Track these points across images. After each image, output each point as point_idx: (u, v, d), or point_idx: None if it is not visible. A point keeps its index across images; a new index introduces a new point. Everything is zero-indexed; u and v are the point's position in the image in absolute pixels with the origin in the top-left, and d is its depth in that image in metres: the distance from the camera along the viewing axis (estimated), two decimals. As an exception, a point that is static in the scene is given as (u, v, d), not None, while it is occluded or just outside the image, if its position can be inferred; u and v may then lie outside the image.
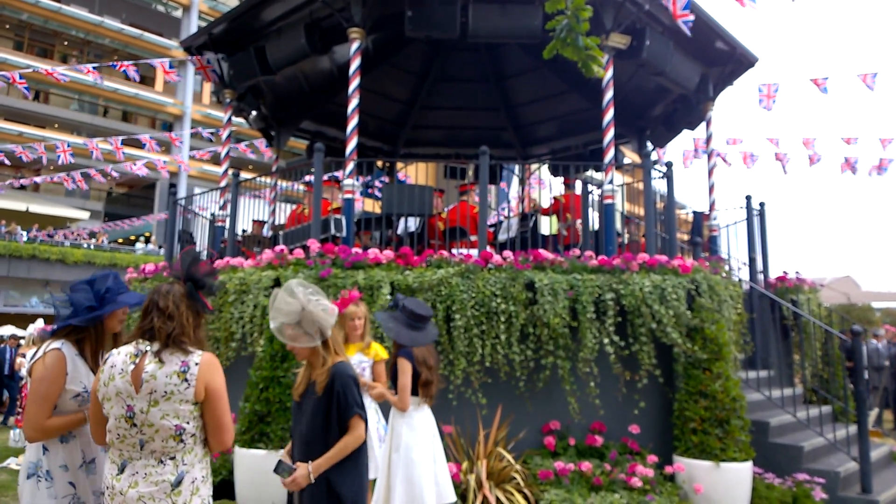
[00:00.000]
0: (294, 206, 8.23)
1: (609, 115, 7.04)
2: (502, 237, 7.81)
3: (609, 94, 7.05)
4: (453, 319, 5.64)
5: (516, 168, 12.95)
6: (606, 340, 5.72)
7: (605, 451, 5.61)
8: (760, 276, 8.52)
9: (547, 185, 13.24)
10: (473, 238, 7.08)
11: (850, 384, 7.67)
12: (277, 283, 5.83)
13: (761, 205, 8.91)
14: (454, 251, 6.33)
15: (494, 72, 10.86)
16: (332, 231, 6.34)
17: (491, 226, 8.47)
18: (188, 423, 2.29)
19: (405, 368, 3.92)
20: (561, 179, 9.03)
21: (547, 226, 9.18)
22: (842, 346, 8.16)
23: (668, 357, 5.93)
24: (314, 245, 5.97)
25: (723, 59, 8.39)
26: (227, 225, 7.52)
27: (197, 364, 2.31)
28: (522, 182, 12.97)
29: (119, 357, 2.33)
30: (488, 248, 6.26)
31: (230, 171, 8.01)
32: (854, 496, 5.69)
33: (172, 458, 2.28)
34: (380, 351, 4.47)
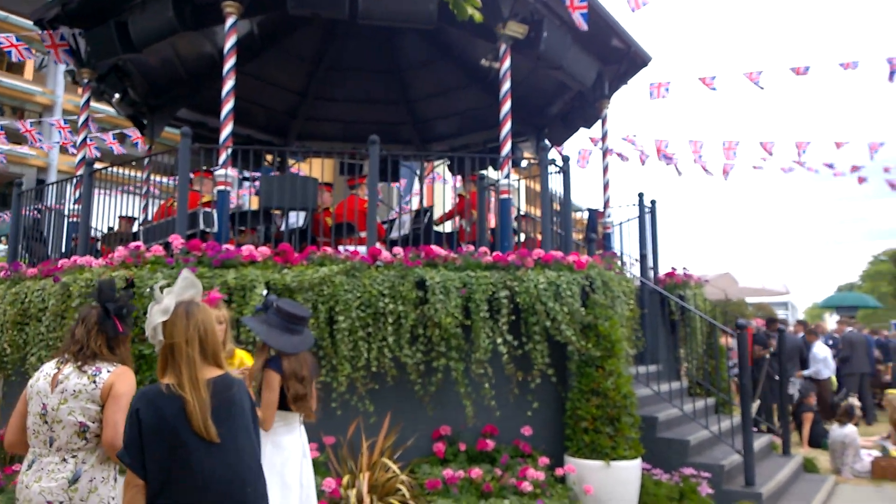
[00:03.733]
0: (163, 201, 7.45)
1: (506, 107, 6.84)
2: (395, 234, 7.43)
3: (506, 86, 6.85)
4: (336, 321, 5.19)
5: (415, 165, 12.60)
6: (500, 340, 5.48)
7: (496, 456, 5.36)
8: (651, 273, 8.64)
9: (446, 183, 12.98)
10: (363, 234, 6.66)
11: (735, 377, 7.88)
12: (131, 283, 5.13)
13: (652, 202, 9.05)
14: (341, 248, 5.88)
15: (393, 62, 10.41)
16: (201, 226, 5.69)
17: (384, 223, 8.06)
18: (93, 422, 2.53)
19: (271, 382, 3.40)
20: (460, 177, 8.76)
21: (445, 224, 8.92)
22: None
23: (561, 356, 5.77)
24: (177, 241, 5.30)
25: (618, 57, 8.37)
26: (81, 220, 6.63)
27: (109, 372, 2.60)
28: (421, 179, 12.65)
29: (49, 364, 2.69)
30: (378, 245, 5.86)
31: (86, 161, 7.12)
32: (738, 489, 5.74)
33: (74, 457, 2.51)
34: (245, 358, 3.94)
